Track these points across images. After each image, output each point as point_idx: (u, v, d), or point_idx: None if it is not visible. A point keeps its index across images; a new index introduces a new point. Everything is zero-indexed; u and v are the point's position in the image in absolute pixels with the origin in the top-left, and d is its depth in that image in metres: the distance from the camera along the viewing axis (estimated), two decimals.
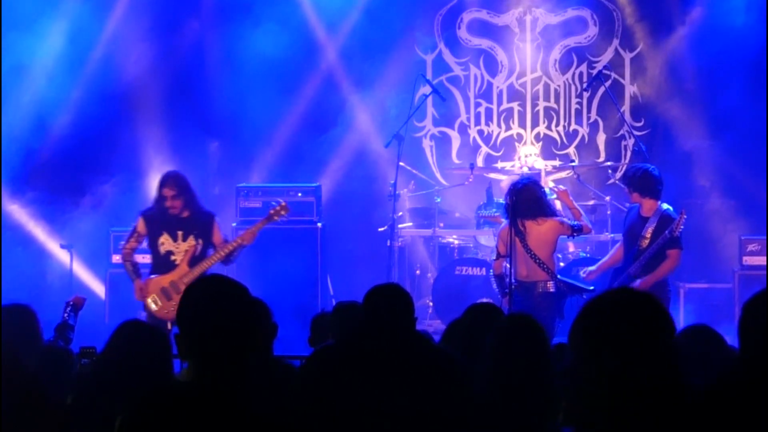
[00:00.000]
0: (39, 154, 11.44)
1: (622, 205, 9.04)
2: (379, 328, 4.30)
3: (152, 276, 8.04)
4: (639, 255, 8.33)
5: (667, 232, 8.16)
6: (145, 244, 8.09)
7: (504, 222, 8.42)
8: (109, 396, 4.14)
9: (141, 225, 8.05)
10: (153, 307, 7.91)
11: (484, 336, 4.49)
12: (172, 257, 7.99)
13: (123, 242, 8.18)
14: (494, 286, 8.46)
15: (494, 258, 8.50)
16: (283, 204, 8.25)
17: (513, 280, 8.05)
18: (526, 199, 8.06)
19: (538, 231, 8.13)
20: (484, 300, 9.68)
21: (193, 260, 7.99)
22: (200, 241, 8.01)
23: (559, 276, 8.23)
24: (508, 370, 4.23)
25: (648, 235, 8.32)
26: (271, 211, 8.19)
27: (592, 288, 8.24)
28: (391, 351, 4.22)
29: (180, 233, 7.99)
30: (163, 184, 8.01)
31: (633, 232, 8.46)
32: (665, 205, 8.41)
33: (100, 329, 9.07)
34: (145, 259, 8.22)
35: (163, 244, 8.00)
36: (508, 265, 8.28)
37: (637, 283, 8.27)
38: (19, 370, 4.10)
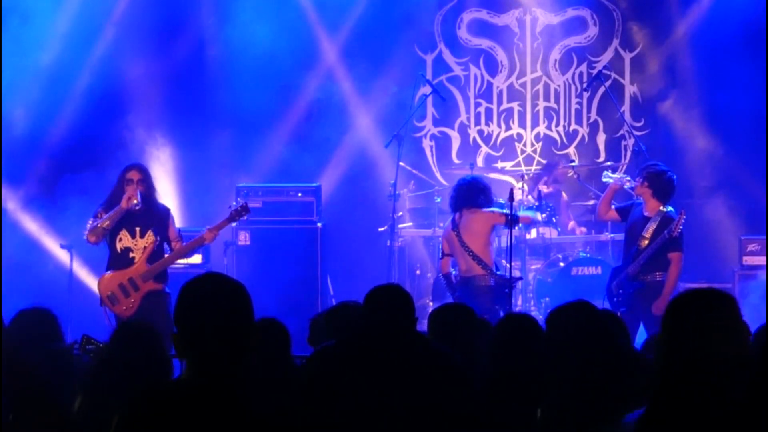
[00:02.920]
0: (39, 153, 11.43)
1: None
2: (379, 329, 4.30)
3: (109, 272, 8.08)
4: (638, 255, 8.33)
5: (666, 232, 8.16)
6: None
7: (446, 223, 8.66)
8: (112, 396, 4.15)
9: (103, 214, 8.09)
10: (114, 303, 7.96)
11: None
12: (131, 254, 8.04)
13: (90, 221, 8.12)
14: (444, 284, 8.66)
15: (440, 257, 8.69)
16: (244, 204, 8.38)
17: (457, 275, 8.40)
18: (467, 190, 8.42)
19: (470, 221, 8.39)
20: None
21: (152, 256, 8.05)
22: (158, 237, 8.08)
23: (494, 270, 8.36)
24: (507, 370, 4.23)
25: (648, 236, 8.32)
26: (233, 212, 8.29)
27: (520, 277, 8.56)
28: (391, 351, 4.23)
29: (138, 229, 8.06)
30: (128, 169, 8.16)
31: (634, 231, 8.46)
32: (666, 207, 8.42)
33: (100, 329, 9.06)
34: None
35: (121, 240, 8.05)
36: (508, 265, 8.34)
37: (658, 299, 8.20)
38: (29, 374, 4.10)
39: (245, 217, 8.49)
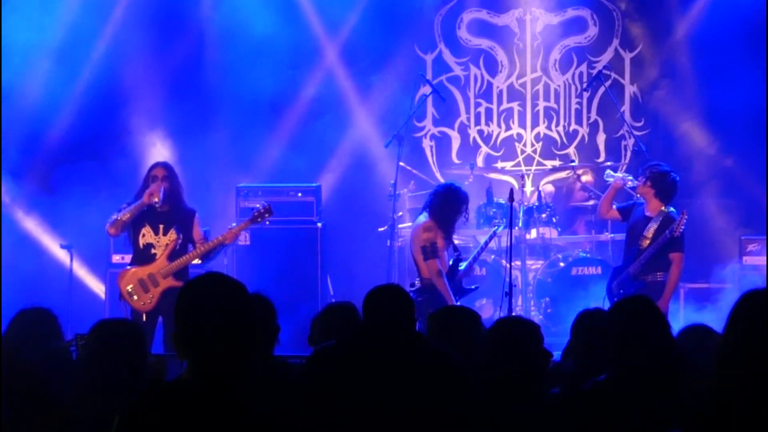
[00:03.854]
0: (39, 153, 11.43)
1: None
2: (379, 329, 4.30)
3: (130, 267, 8.16)
4: (639, 254, 8.33)
5: (667, 232, 8.16)
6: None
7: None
8: (91, 394, 4.17)
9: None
10: (133, 298, 8.02)
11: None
12: (153, 250, 8.12)
13: (114, 215, 8.19)
14: None
15: None
16: (267, 207, 8.41)
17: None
18: (433, 194, 8.36)
19: (415, 225, 8.42)
20: (484, 301, 9.76)
21: (173, 254, 8.12)
22: (180, 236, 8.16)
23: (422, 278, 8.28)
24: (503, 372, 4.22)
25: (650, 236, 8.33)
26: (255, 213, 8.37)
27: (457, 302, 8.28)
28: (391, 351, 4.23)
29: (161, 226, 8.15)
30: (154, 166, 8.31)
31: (635, 231, 8.46)
32: (668, 208, 8.42)
33: None
34: (124, 259, 8.76)
35: (144, 236, 8.13)
36: (507, 265, 8.33)
37: (661, 299, 8.24)
38: (29, 374, 4.11)
39: (267, 220, 8.48)
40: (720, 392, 2.77)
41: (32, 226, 11.23)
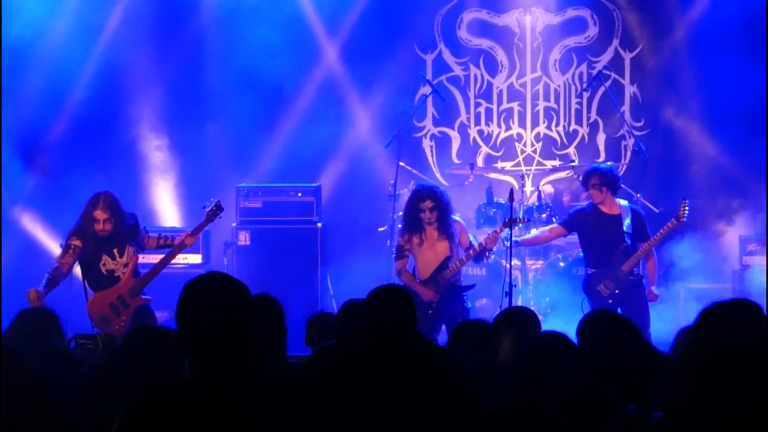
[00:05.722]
0: (38, 152, 11.41)
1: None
2: (380, 329, 4.30)
3: (95, 293, 7.97)
4: (628, 251, 8.48)
5: (674, 219, 8.44)
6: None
7: None
8: (116, 397, 4.15)
9: (78, 244, 7.93)
10: (107, 324, 7.86)
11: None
12: (116, 274, 7.98)
13: (58, 257, 8.01)
14: None
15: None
16: (218, 203, 8.27)
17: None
18: None
19: None
20: (484, 301, 9.75)
21: (135, 270, 8.03)
22: (136, 250, 8.08)
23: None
24: (538, 386, 4.15)
25: (631, 231, 8.52)
26: (209, 212, 8.24)
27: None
28: (392, 352, 4.22)
29: (116, 250, 7.98)
30: (94, 205, 7.90)
31: (606, 231, 8.58)
32: (623, 201, 8.69)
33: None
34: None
35: (105, 264, 7.97)
36: (507, 265, 8.35)
37: (650, 287, 8.47)
38: (30, 374, 4.11)
39: (221, 216, 8.36)
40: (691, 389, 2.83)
41: (32, 225, 11.21)
